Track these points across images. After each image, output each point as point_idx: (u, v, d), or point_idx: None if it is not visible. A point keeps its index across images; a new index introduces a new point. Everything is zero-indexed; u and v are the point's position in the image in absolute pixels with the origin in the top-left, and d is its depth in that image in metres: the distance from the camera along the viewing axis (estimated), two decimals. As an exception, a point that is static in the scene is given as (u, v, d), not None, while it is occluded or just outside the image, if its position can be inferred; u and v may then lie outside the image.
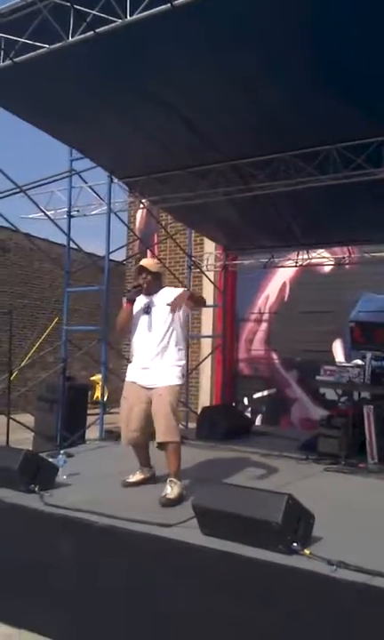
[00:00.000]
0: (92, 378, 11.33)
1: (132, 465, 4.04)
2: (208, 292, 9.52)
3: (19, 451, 3.77)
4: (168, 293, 3.88)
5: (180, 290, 3.98)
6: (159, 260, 9.45)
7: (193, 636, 2.72)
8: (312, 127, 4.76)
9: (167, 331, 3.81)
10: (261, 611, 2.54)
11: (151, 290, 3.90)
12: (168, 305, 3.74)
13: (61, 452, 4.71)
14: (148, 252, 9.81)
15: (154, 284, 3.92)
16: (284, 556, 2.58)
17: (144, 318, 3.86)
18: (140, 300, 3.90)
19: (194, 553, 2.77)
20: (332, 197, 5.60)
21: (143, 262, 3.99)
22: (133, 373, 3.90)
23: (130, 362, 4.04)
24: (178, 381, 3.80)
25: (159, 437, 3.69)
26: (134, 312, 3.90)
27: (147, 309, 3.87)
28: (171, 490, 3.60)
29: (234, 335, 9.42)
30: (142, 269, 3.90)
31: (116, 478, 4.00)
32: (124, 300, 3.89)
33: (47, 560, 3.20)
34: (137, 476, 3.94)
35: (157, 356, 3.79)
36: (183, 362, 3.90)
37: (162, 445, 3.71)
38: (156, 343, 3.80)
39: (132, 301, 3.86)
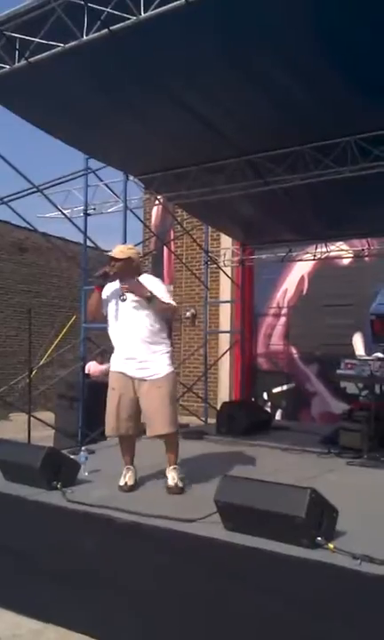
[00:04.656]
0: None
1: (152, 461, 4.03)
2: (226, 288, 9.51)
3: (41, 448, 3.80)
4: (145, 282, 3.74)
5: (156, 280, 3.81)
6: (176, 256, 9.49)
7: (218, 631, 2.72)
8: (329, 119, 4.71)
9: (148, 319, 3.70)
10: (286, 605, 2.53)
11: (123, 276, 3.74)
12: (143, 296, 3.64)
13: (83, 448, 4.75)
14: (165, 250, 9.82)
15: (124, 270, 3.73)
16: (308, 551, 2.58)
17: (122, 306, 3.73)
18: (115, 289, 3.78)
19: (217, 548, 2.78)
20: (350, 189, 5.54)
21: (111, 252, 3.81)
22: (119, 364, 3.77)
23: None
24: (171, 368, 3.74)
25: (161, 429, 3.65)
26: (110, 300, 3.79)
27: (122, 297, 3.72)
28: (177, 477, 3.71)
29: (252, 330, 9.40)
30: (110, 259, 3.76)
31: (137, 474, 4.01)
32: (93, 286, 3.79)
33: (71, 556, 3.23)
34: (131, 478, 3.79)
35: (143, 345, 3.69)
36: (170, 347, 3.83)
37: (164, 436, 3.70)
38: (138, 332, 3.69)
39: (100, 287, 3.75)
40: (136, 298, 3.68)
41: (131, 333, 3.71)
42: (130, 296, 3.70)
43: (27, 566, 3.40)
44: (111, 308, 3.80)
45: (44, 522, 3.41)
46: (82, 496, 3.45)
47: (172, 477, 3.72)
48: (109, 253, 3.82)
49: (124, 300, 3.73)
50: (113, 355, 3.86)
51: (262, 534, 2.71)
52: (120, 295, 3.74)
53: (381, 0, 3.26)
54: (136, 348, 3.70)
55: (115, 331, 3.81)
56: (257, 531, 2.74)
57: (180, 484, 3.69)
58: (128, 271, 3.76)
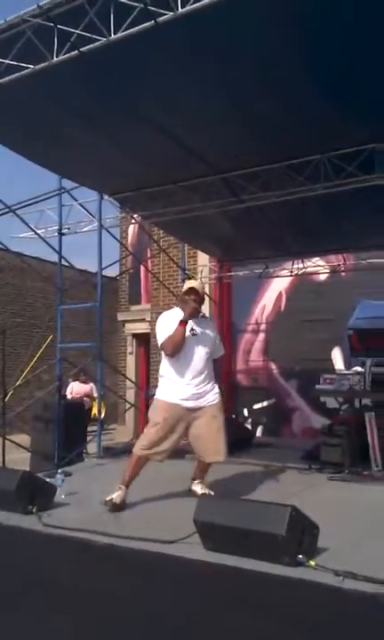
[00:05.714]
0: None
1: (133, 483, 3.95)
2: (204, 305, 9.50)
3: (16, 472, 3.71)
4: (207, 322, 4.22)
5: (210, 322, 4.35)
6: (153, 274, 9.48)
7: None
8: (302, 137, 4.74)
9: (210, 353, 4.03)
10: (269, 624, 2.48)
11: (197, 311, 4.02)
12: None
13: (59, 471, 4.65)
14: (142, 268, 9.80)
15: (200, 305, 4.05)
16: (289, 569, 2.53)
17: (191, 339, 3.92)
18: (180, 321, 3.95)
19: (197, 568, 2.73)
20: (324, 206, 5.60)
21: (195, 285, 4.11)
22: (179, 394, 3.88)
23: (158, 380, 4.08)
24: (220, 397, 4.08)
25: (220, 457, 3.97)
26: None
27: (193, 331, 3.95)
28: (206, 488, 4.09)
29: (231, 347, 9.39)
30: (192, 291, 3.97)
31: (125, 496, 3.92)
32: (178, 321, 3.89)
33: (49, 581, 3.13)
34: (121, 497, 3.76)
35: (204, 376, 3.94)
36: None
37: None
38: (205, 366, 3.96)
39: (185, 323, 3.89)
40: (208, 336, 4.03)
41: (196, 365, 3.93)
42: (203, 333, 3.99)
43: (1, 591, 3.30)
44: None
45: (21, 547, 3.32)
46: (59, 519, 3.37)
47: (202, 487, 4.09)
48: (194, 286, 4.06)
49: (194, 335, 3.95)
50: (169, 384, 3.95)
51: (243, 553, 2.67)
52: (191, 330, 3.93)
53: (358, 17, 3.30)
54: (199, 379, 3.93)
55: (179, 362, 3.92)
56: (237, 550, 2.69)
57: (211, 492, 4.00)
58: (201, 305, 4.09)
